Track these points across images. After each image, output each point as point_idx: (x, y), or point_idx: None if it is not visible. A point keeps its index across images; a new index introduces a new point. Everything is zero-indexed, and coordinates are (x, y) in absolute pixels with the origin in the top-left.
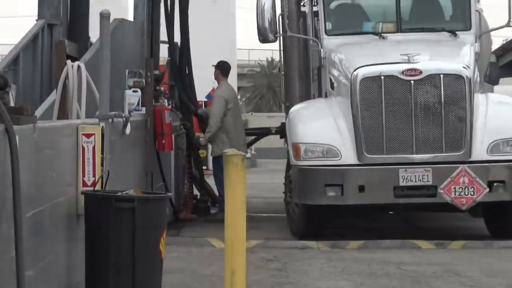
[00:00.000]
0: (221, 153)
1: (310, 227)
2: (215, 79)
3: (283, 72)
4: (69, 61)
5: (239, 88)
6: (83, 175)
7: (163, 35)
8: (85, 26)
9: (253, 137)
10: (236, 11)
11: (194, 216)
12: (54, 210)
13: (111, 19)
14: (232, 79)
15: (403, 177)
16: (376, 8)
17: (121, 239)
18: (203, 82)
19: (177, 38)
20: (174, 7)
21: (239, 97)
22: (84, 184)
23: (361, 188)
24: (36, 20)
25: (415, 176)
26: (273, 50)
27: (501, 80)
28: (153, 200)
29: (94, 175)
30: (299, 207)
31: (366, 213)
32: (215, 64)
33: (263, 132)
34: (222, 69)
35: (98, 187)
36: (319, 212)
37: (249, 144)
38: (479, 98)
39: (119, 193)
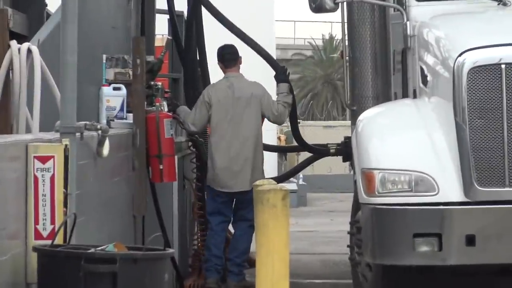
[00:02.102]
0: (207, 182)
1: None
2: None
3: (347, 58)
4: (13, 42)
5: None
6: (36, 222)
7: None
8: None
9: (301, 160)
10: None
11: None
12: None
13: None
14: (267, 69)
15: None
16: None
17: None
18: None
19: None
20: None
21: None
22: (38, 236)
23: (471, 240)
24: None
25: None
26: (332, 23)
27: None
28: (145, 260)
29: (53, 222)
30: (374, 269)
31: (478, 279)
32: None
33: (317, 151)
34: (218, 57)
35: (59, 240)
36: (404, 278)
37: (296, 171)
38: None
39: (92, 250)
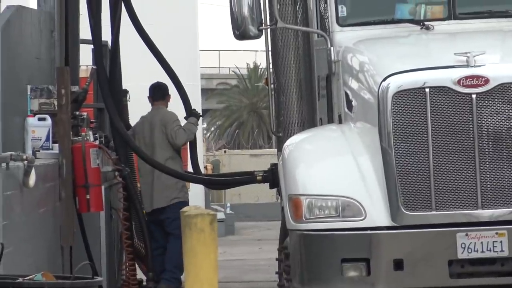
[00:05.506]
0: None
1: None
2: None
3: (272, 86)
4: None
5: (205, 111)
6: None
7: (86, 32)
8: None
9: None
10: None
11: None
12: None
13: (2, 6)
14: (194, 98)
15: (463, 246)
16: None
17: None
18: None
19: (106, 36)
20: None
21: (204, 125)
22: None
23: (399, 265)
24: None
25: (481, 243)
26: (256, 52)
27: None
28: None
29: None
30: None
31: None
32: None
33: (243, 180)
34: (149, 92)
35: None
36: None
37: (232, 183)
38: None
39: (20, 280)
